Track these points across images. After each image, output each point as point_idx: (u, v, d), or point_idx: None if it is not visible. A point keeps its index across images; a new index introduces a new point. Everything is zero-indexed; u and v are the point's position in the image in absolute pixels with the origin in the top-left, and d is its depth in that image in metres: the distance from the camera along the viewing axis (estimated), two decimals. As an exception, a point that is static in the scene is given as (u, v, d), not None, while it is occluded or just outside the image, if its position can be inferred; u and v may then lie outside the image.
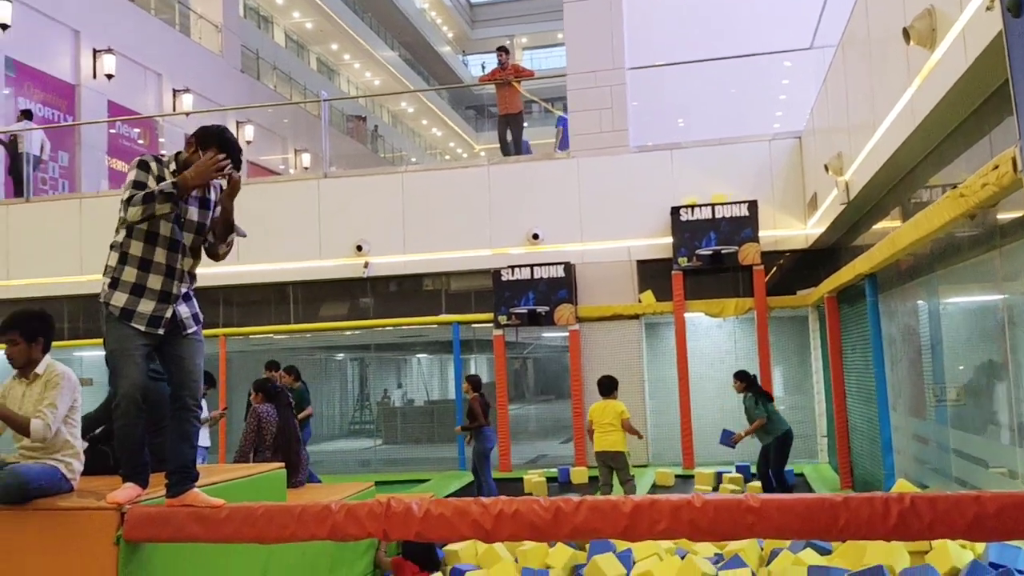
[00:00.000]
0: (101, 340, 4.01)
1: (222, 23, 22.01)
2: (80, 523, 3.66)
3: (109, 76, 17.41)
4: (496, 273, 11.50)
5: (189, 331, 4.04)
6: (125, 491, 3.77)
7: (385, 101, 36.22)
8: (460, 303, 12.18)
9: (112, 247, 3.99)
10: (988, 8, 3.74)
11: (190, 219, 4.02)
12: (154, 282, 3.92)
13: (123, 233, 3.94)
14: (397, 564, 6.11)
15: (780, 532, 3.41)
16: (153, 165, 3.96)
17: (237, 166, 4.00)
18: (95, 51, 17.27)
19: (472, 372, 12.54)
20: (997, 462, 5.63)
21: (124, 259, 3.92)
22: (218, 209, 4.14)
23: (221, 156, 3.87)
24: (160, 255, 3.92)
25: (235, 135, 4.13)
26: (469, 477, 10.26)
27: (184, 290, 4.06)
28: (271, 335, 12.85)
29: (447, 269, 12.07)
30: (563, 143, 12.84)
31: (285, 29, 29.59)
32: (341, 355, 19.21)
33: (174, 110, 19.37)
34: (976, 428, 5.96)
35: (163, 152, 4.19)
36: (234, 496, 4.14)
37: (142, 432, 3.91)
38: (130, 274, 3.90)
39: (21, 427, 3.88)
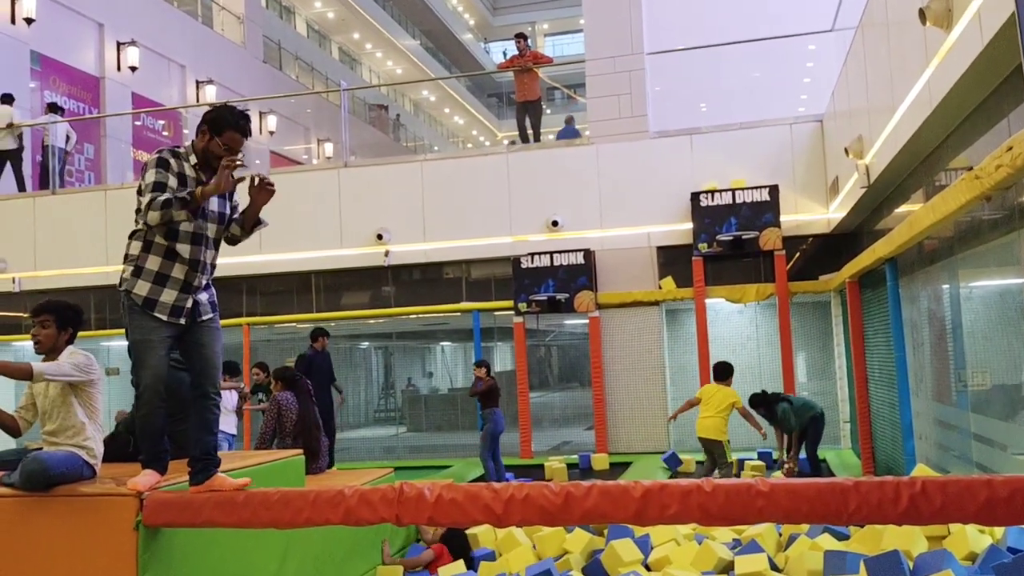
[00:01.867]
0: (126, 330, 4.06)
1: (244, 14, 22.13)
2: (100, 509, 3.73)
3: (133, 68, 17.60)
4: (516, 260, 11.51)
5: (205, 317, 4.06)
6: (145, 477, 3.84)
7: (407, 90, 36.26)
8: (481, 291, 12.22)
9: (133, 236, 3.99)
10: (1002, -13, 3.69)
11: (212, 210, 4.03)
12: (178, 272, 3.93)
13: (144, 223, 3.94)
14: (439, 551, 6.13)
15: (790, 516, 3.41)
16: (172, 162, 3.92)
17: (245, 133, 3.99)
18: (119, 44, 17.46)
19: (492, 360, 12.62)
20: (1019, 447, 5.58)
21: (148, 247, 3.92)
22: (236, 198, 4.21)
23: (238, 158, 3.86)
24: (184, 249, 3.93)
25: (248, 116, 4.09)
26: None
27: (205, 281, 4.09)
28: (294, 324, 12.97)
29: (467, 257, 12.10)
30: None
31: (307, 19, 29.68)
32: (365, 344, 19.34)
33: (197, 101, 19.52)
34: (997, 413, 5.91)
35: (183, 145, 4.14)
36: (253, 482, 4.20)
37: (163, 421, 3.97)
38: (154, 263, 3.91)
39: (23, 372, 3.88)
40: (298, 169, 17.62)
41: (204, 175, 3.96)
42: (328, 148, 24.53)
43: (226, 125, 3.93)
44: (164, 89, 19.11)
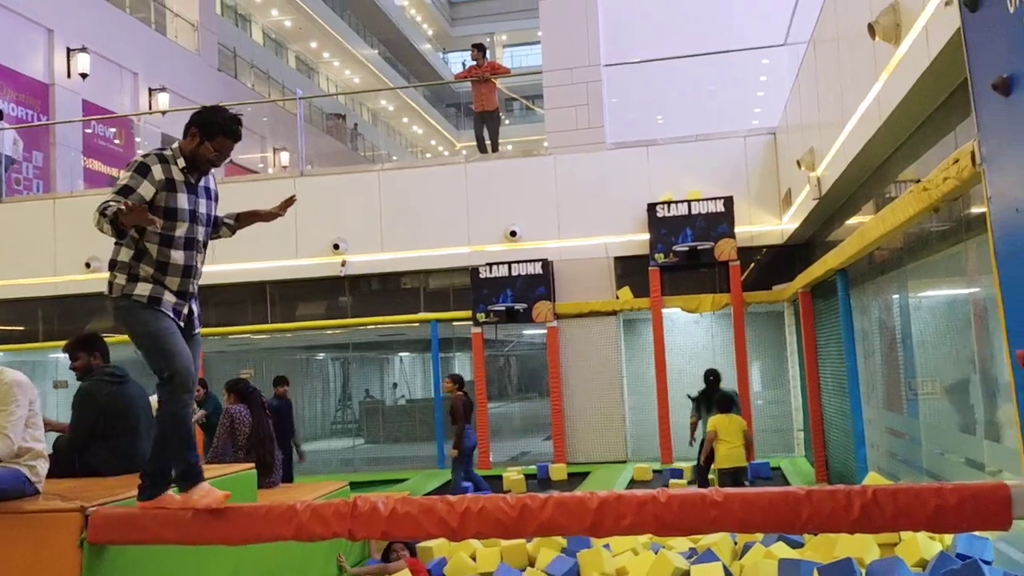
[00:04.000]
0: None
1: (199, 21, 21.85)
2: (43, 526, 3.61)
3: (84, 75, 17.25)
4: (474, 271, 11.49)
5: (196, 331, 3.96)
6: (213, 493, 3.65)
7: (365, 99, 36.08)
8: (439, 301, 12.17)
9: (122, 242, 3.77)
10: (947, 3, 3.77)
11: (201, 212, 3.86)
12: (171, 283, 3.76)
13: (134, 230, 3.71)
14: (412, 565, 5.98)
15: (743, 526, 3.42)
16: (156, 168, 3.70)
17: (236, 138, 3.83)
18: (69, 50, 17.12)
19: (452, 370, 12.55)
20: (967, 455, 5.68)
21: (140, 256, 3.74)
22: (219, 195, 4.08)
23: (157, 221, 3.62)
24: (177, 256, 3.76)
25: (240, 119, 3.88)
26: (448, 475, 10.23)
27: (196, 287, 3.93)
28: (249, 335, 12.78)
29: (425, 267, 12.05)
30: None
31: (263, 27, 29.42)
32: (322, 355, 19.16)
33: (150, 109, 19.23)
34: (946, 421, 6.01)
35: (171, 146, 3.98)
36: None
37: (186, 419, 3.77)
38: (147, 272, 3.73)
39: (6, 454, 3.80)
40: (254, 178, 17.41)
41: (193, 178, 3.82)
42: (284, 157, 24.27)
43: (218, 130, 3.75)
44: (116, 96, 18.78)
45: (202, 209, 3.88)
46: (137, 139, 19.48)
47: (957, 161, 3.68)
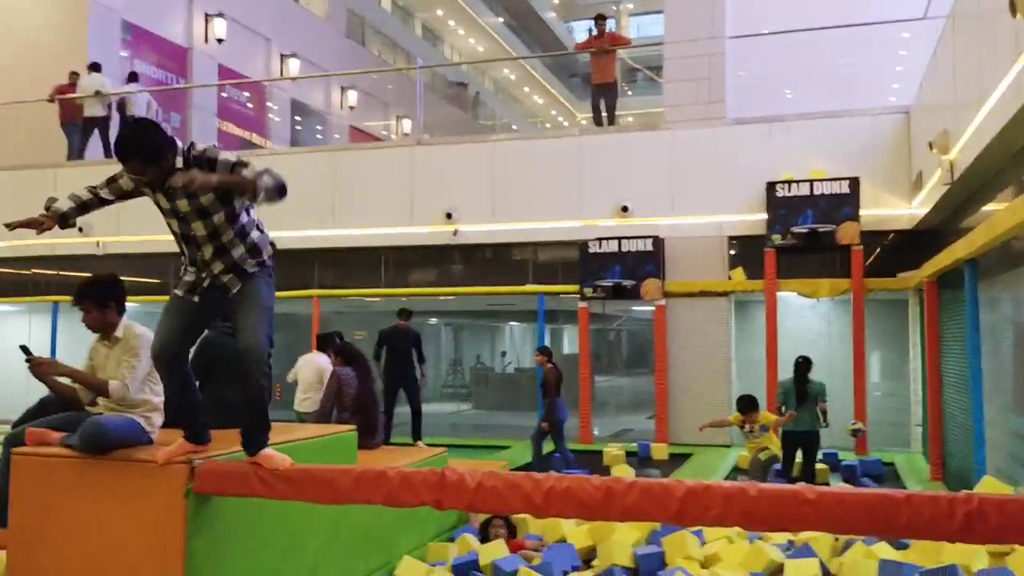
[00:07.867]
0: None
1: (329, -11, 22.41)
2: (152, 474, 3.83)
3: (220, 40, 17.99)
4: (584, 245, 11.43)
5: (235, 290, 3.94)
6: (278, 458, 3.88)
7: (487, 68, 36.20)
8: (547, 273, 12.18)
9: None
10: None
11: (184, 211, 3.83)
12: (187, 272, 3.99)
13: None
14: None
15: (837, 526, 3.31)
16: None
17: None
18: (207, 15, 17.87)
19: (559, 342, 12.59)
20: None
21: None
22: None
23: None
24: (184, 248, 3.98)
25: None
26: (548, 447, 10.28)
27: (218, 270, 3.92)
28: (362, 298, 13.16)
29: (535, 239, 12.06)
30: None
31: (392, -6, 29.85)
32: (434, 320, 19.55)
33: (281, 75, 19.90)
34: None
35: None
36: (304, 456, 4.25)
37: (171, 389, 4.04)
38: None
39: (100, 389, 4.11)
40: (373, 146, 17.84)
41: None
42: (406, 124, 24.71)
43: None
44: (249, 61, 19.51)
45: (183, 207, 3.82)
46: (268, 103, 20.21)
47: (1099, 152, 3.39)
